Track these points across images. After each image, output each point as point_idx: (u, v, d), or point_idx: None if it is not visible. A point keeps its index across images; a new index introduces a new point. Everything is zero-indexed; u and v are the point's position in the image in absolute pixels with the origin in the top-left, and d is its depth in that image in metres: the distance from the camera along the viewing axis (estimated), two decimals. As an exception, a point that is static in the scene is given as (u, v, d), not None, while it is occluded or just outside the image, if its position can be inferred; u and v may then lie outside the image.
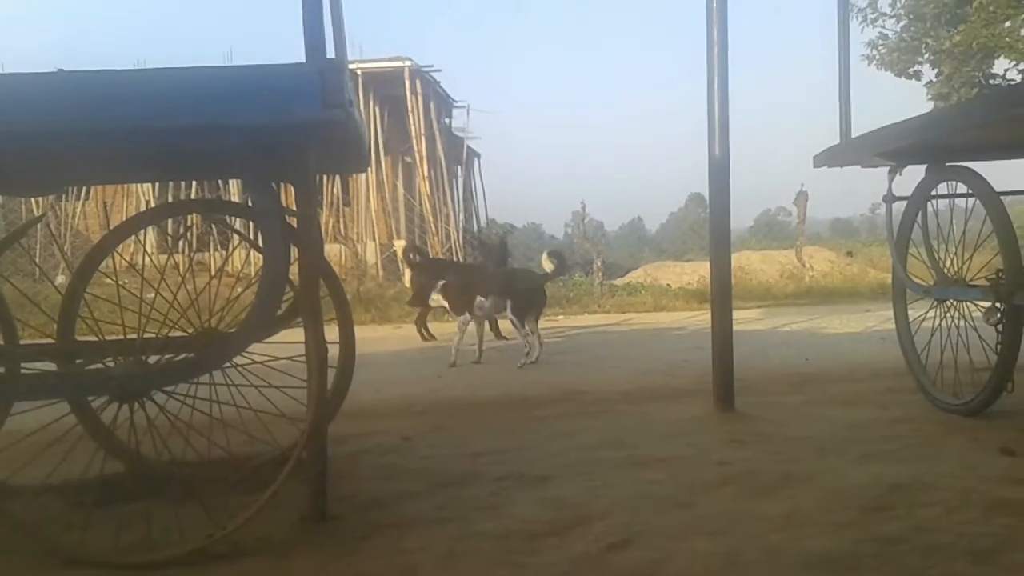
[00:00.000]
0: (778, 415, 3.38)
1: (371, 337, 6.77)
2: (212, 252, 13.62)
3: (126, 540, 1.98)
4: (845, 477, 2.39)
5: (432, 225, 16.24)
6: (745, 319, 8.08)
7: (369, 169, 15.06)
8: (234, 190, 13.83)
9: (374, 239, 16.20)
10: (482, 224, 20.44)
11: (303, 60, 1.91)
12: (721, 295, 3.56)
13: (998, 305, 2.95)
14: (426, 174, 16.33)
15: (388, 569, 1.83)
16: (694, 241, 17.55)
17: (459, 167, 20.15)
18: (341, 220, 16.28)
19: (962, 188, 3.26)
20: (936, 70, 17.09)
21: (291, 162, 2.08)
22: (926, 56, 17.09)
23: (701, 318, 8.79)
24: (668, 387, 4.22)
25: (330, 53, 1.97)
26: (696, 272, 14.09)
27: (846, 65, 3.73)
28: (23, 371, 2.34)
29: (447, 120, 18.87)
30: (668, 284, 13.47)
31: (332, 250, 14.59)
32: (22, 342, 2.67)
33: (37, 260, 10.71)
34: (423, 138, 16.29)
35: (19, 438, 2.20)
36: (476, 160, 21.00)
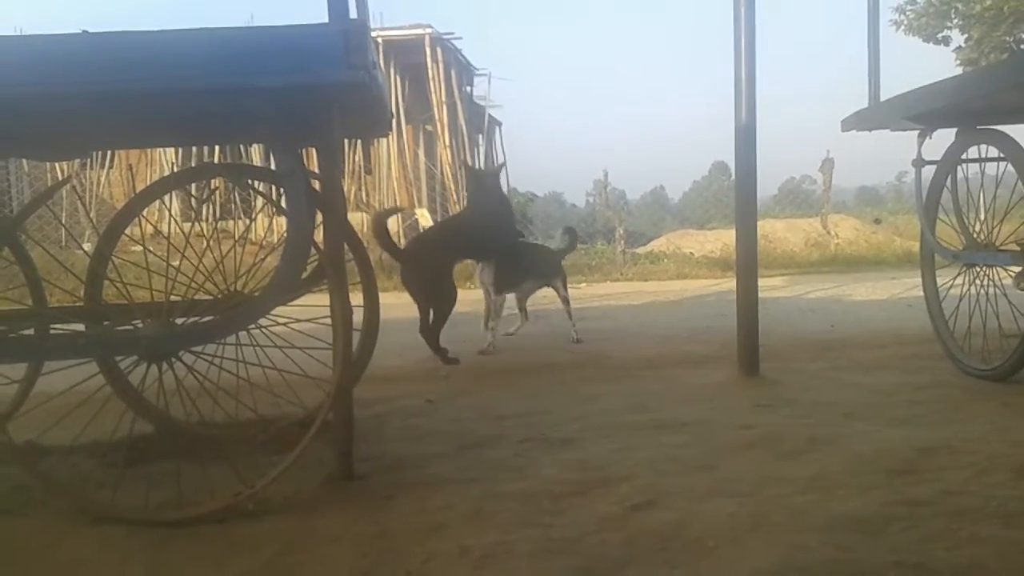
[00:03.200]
0: (803, 380, 3.36)
1: (394, 303, 6.75)
2: (236, 220, 13.67)
3: (156, 498, 2.01)
4: (871, 441, 2.38)
5: (453, 193, 16.21)
6: (769, 287, 8.02)
7: (390, 137, 15.03)
8: (256, 157, 13.86)
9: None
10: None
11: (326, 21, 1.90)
12: (746, 261, 3.54)
13: (1029, 269, 2.91)
14: (447, 143, 16.25)
15: (414, 527, 1.85)
16: (717, 209, 17.40)
17: (480, 136, 20.06)
18: (363, 188, 16.27)
19: (993, 152, 3.21)
20: (965, 35, 16.74)
21: (315, 125, 2.08)
22: (955, 20, 16.74)
23: (724, 286, 8.75)
24: (692, 353, 4.21)
25: (352, 14, 1.95)
26: (719, 240, 13.99)
27: (876, 27, 3.67)
28: (53, 332, 2.36)
29: (468, 88, 18.72)
30: (691, 252, 13.40)
31: (355, 218, 14.58)
32: (51, 305, 2.70)
33: (63, 228, 10.81)
34: (444, 106, 16.19)
35: (49, 398, 2.23)
36: (497, 129, 20.88)
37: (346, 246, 2.40)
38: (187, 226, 2.62)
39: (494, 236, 4.51)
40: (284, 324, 2.31)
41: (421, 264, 4.27)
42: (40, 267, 2.70)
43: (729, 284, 7.22)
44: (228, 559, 1.73)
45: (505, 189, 4.55)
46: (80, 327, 2.40)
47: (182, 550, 1.80)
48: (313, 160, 2.19)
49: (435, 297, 4.21)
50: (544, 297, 5.06)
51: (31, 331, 2.44)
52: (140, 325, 2.09)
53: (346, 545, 1.76)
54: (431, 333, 4.14)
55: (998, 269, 3.29)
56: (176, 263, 2.26)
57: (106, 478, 2.22)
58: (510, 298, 4.83)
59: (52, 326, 2.40)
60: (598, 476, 2.14)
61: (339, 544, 1.77)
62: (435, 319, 4.16)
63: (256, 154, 13.95)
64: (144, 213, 2.56)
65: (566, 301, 4.95)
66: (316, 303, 2.25)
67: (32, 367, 2.61)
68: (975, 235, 3.39)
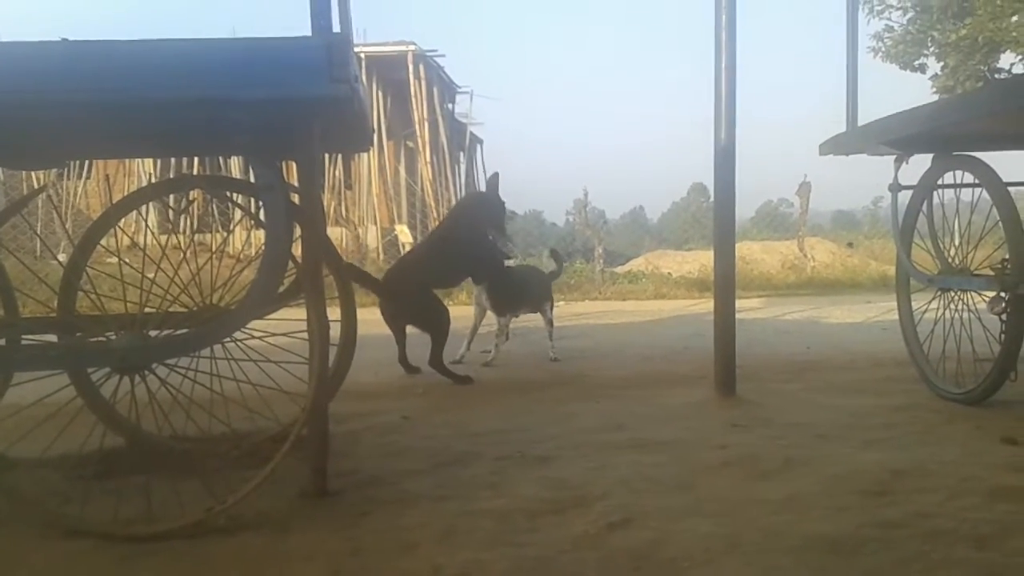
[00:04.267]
0: (779, 401, 3.37)
1: (372, 319, 6.73)
2: (213, 233, 13.58)
3: (125, 513, 1.97)
4: (846, 462, 2.39)
5: (434, 210, 16.20)
6: (746, 308, 8.06)
7: (371, 153, 15.02)
8: (235, 169, 13.80)
9: (375, 223, 16.15)
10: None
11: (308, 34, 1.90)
12: (724, 281, 3.55)
13: (1003, 294, 2.94)
14: (428, 159, 16.27)
15: (388, 544, 1.83)
16: (695, 230, 17.60)
17: (461, 153, 20.09)
18: (343, 203, 16.23)
19: (968, 178, 3.25)
20: (941, 63, 16.98)
21: (295, 138, 2.07)
22: (931, 49, 16.98)
23: (701, 306, 8.79)
24: (669, 373, 4.22)
25: (335, 28, 1.95)
26: (697, 261, 14.09)
27: (854, 54, 3.72)
28: (24, 343, 2.33)
29: (450, 105, 18.78)
30: (669, 272, 13.48)
31: (334, 233, 14.57)
32: (24, 315, 2.66)
33: (38, 237, 10.67)
34: (426, 123, 16.22)
35: (18, 410, 2.20)
36: (479, 146, 20.94)
37: (324, 261, 2.38)
38: (164, 238, 2.59)
39: (477, 260, 4.44)
40: (260, 338, 2.29)
41: (404, 297, 4.19)
42: (13, 277, 2.66)
43: (707, 304, 7.25)
44: (199, 575, 1.71)
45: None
46: (52, 338, 2.37)
47: (151, 566, 1.77)
48: (293, 174, 2.18)
49: (429, 323, 4.14)
50: (525, 317, 5.05)
51: (2, 341, 2.40)
52: (113, 337, 2.07)
53: (319, 563, 1.74)
54: (437, 360, 4.06)
55: (972, 294, 3.33)
56: (152, 275, 2.24)
57: (75, 492, 2.18)
58: (490, 315, 4.79)
59: (23, 337, 2.36)
60: (574, 495, 2.14)
61: (312, 562, 1.75)
62: (435, 343, 4.08)
63: (235, 166, 13.90)
64: (120, 224, 2.54)
65: (550, 323, 4.97)
66: (293, 317, 2.23)
67: (2, 378, 2.57)
68: (950, 260, 3.43)
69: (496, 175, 4.53)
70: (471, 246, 4.36)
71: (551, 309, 5.03)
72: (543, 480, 2.28)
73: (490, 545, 1.81)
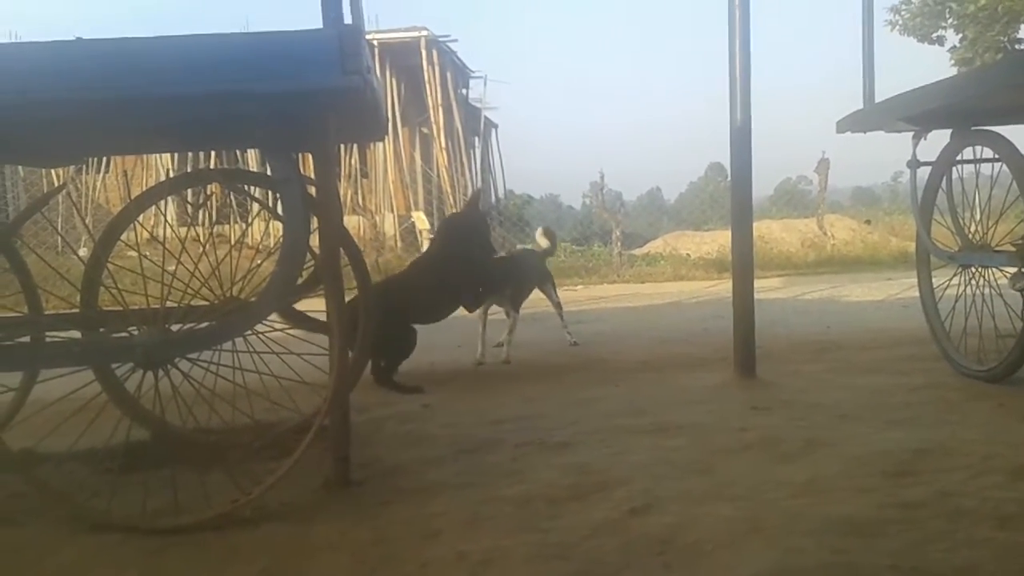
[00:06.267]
0: (799, 382, 3.36)
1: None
2: (232, 225, 13.66)
3: (152, 505, 2.00)
4: (867, 443, 2.38)
5: (450, 196, 16.21)
6: (766, 288, 8.03)
7: (386, 140, 15.02)
8: (252, 162, 13.85)
9: (392, 210, 16.19)
10: (500, 195, 20.38)
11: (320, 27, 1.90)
12: (742, 263, 3.54)
13: (1024, 270, 2.91)
14: (443, 145, 16.27)
15: (411, 533, 1.85)
16: (713, 211, 17.41)
17: (476, 138, 20.07)
18: (359, 192, 16.27)
19: (988, 152, 3.22)
20: (960, 35, 16.76)
21: (310, 130, 2.08)
22: (950, 20, 16.76)
23: (721, 287, 8.75)
24: (688, 355, 4.21)
25: (347, 19, 1.95)
26: (716, 241, 14.00)
27: (870, 28, 3.67)
28: (48, 340, 2.36)
29: (464, 91, 18.75)
30: (687, 254, 13.40)
31: (350, 221, 14.59)
32: (47, 312, 2.70)
33: (59, 234, 10.78)
34: (440, 109, 16.21)
35: (45, 406, 2.23)
36: (493, 131, 20.92)
37: (342, 251, 2.39)
38: (183, 231, 2.61)
39: (471, 286, 4.14)
40: (280, 330, 2.31)
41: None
42: (36, 274, 2.70)
43: (726, 285, 7.23)
44: (225, 567, 1.74)
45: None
46: (76, 334, 2.40)
47: (178, 558, 1.80)
48: (309, 165, 2.19)
49: (388, 350, 3.76)
50: (536, 300, 4.99)
51: (27, 339, 2.43)
52: (136, 332, 2.09)
53: (343, 552, 1.76)
54: (385, 375, 3.72)
55: (993, 270, 3.30)
56: (172, 269, 2.26)
57: (102, 485, 2.21)
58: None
59: (48, 333, 2.39)
60: (595, 480, 2.14)
61: (336, 551, 1.77)
62: (388, 364, 3.75)
63: (252, 159, 13.95)
64: (140, 218, 2.56)
65: (558, 306, 4.93)
66: (312, 308, 2.25)
67: (28, 375, 2.61)
68: (970, 236, 3.40)
69: (478, 191, 4.30)
70: (461, 275, 4.03)
71: (555, 290, 4.96)
72: (564, 466, 2.29)
73: (513, 531, 1.82)
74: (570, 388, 3.49)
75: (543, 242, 5.06)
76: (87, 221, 13.91)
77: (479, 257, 4.06)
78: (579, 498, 2.02)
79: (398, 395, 3.42)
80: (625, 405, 3.06)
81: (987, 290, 3.32)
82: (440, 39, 16.36)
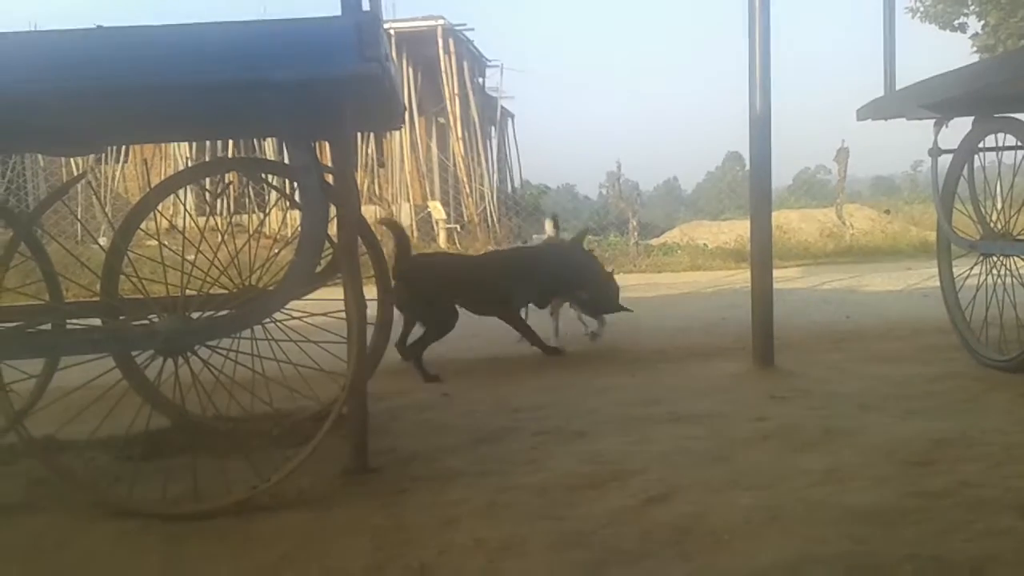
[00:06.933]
0: (818, 372, 3.34)
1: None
2: (250, 214, 13.73)
3: (172, 492, 2.02)
4: (887, 432, 2.37)
5: (466, 186, 16.21)
6: (784, 277, 7.98)
7: (403, 130, 15.03)
8: (269, 151, 13.90)
9: (409, 200, 16.21)
10: (516, 185, 20.36)
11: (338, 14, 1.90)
12: (761, 252, 3.52)
13: (1048, 259, 2.88)
14: (460, 135, 16.25)
15: (429, 520, 1.85)
16: (731, 200, 17.35)
17: (493, 127, 20.04)
18: (376, 181, 16.29)
19: (1011, 140, 3.18)
20: (982, 22, 16.56)
21: (328, 118, 2.08)
22: (972, 7, 16.57)
23: (738, 277, 8.71)
24: (706, 345, 4.20)
25: (365, 6, 1.95)
26: (733, 231, 13.94)
27: (891, 15, 3.64)
28: (69, 327, 2.38)
29: (481, 80, 18.72)
30: (704, 244, 13.33)
31: (367, 211, 14.62)
32: (68, 300, 2.72)
33: (79, 222, 10.86)
34: (457, 98, 16.19)
35: (66, 393, 2.25)
36: (510, 120, 20.89)
37: (360, 240, 2.40)
38: (202, 220, 2.63)
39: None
40: (299, 318, 2.32)
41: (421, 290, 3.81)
42: (56, 262, 2.72)
43: (743, 275, 7.19)
44: (244, 552, 1.75)
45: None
46: (96, 322, 2.42)
47: (198, 544, 1.81)
48: (327, 154, 2.19)
49: (430, 321, 3.79)
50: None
51: (48, 326, 2.46)
52: (156, 320, 2.10)
53: (362, 538, 1.77)
54: (417, 351, 3.70)
55: (1015, 259, 3.26)
56: (191, 257, 2.27)
57: (123, 472, 2.24)
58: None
59: (68, 321, 2.41)
60: (612, 469, 2.14)
61: (355, 537, 1.78)
62: (425, 337, 3.73)
63: (270, 148, 13.99)
64: (159, 207, 2.57)
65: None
66: (330, 297, 2.25)
67: (49, 362, 2.63)
68: (992, 224, 3.36)
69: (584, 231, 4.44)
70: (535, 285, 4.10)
71: None
72: (582, 454, 2.29)
73: (531, 519, 1.82)
74: (587, 377, 3.49)
75: (550, 230, 5.05)
76: (107, 210, 14.00)
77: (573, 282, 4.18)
78: (597, 487, 2.02)
79: (415, 382, 3.42)
80: (643, 394, 3.06)
81: (1008, 279, 3.29)
82: (457, 28, 16.33)
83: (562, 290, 4.25)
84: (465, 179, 16.24)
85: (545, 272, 4.15)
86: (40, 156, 13.56)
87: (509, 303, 4.06)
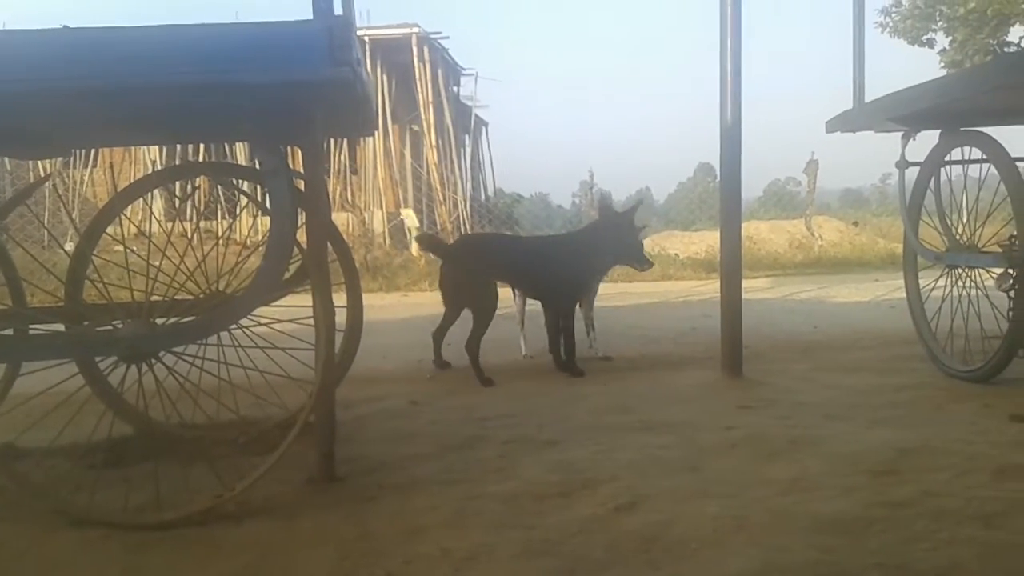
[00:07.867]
0: (786, 382, 3.37)
1: (379, 305, 6.75)
2: (219, 220, 13.61)
3: (135, 501, 1.99)
4: (853, 442, 2.39)
5: (439, 194, 16.18)
6: (754, 288, 8.04)
7: (376, 137, 14.98)
8: (240, 156, 13.79)
9: (381, 207, 16.13)
10: (489, 193, 20.36)
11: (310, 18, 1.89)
12: (730, 263, 3.55)
13: (1011, 271, 2.93)
14: (434, 143, 16.20)
15: (396, 529, 1.84)
16: (702, 211, 17.46)
17: (467, 136, 20.03)
18: (348, 188, 16.21)
19: (976, 154, 3.23)
20: (950, 37, 16.88)
21: (298, 122, 2.06)
22: (940, 23, 16.87)
23: (708, 287, 8.76)
24: (676, 355, 4.21)
25: (337, 11, 1.94)
26: (704, 242, 14.02)
27: (860, 29, 3.68)
28: (32, 332, 2.34)
29: (455, 88, 18.70)
30: (676, 254, 13.41)
31: (339, 218, 14.54)
32: (32, 305, 2.67)
33: (44, 228, 10.71)
34: (431, 106, 16.15)
35: (27, 399, 2.21)
36: (484, 129, 20.87)
37: (330, 246, 2.38)
38: (169, 225, 2.60)
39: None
40: (266, 325, 2.30)
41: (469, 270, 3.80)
42: (21, 267, 2.67)
43: (714, 285, 7.22)
44: (208, 562, 1.72)
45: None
46: (60, 327, 2.38)
47: (161, 553, 1.78)
48: (298, 159, 2.17)
49: (477, 304, 3.75)
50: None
51: (10, 331, 2.41)
52: (120, 325, 2.07)
53: (327, 547, 1.75)
54: (473, 344, 3.69)
55: (980, 271, 3.31)
56: (158, 263, 2.24)
57: (84, 480, 2.20)
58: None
59: (31, 326, 2.37)
60: (581, 477, 2.14)
61: (320, 546, 1.76)
62: (476, 326, 3.72)
63: (240, 153, 13.89)
64: (126, 212, 2.54)
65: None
66: (299, 303, 2.23)
67: (10, 368, 2.58)
68: (958, 237, 3.41)
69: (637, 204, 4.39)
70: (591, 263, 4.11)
71: None
72: (551, 463, 2.29)
73: (498, 528, 1.82)
74: (558, 386, 3.49)
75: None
76: (74, 215, 13.82)
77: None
78: (565, 495, 2.02)
79: (383, 389, 3.40)
80: (613, 403, 3.06)
81: (973, 291, 3.33)
82: (431, 36, 16.31)
83: (621, 260, 4.27)
84: (439, 187, 16.20)
85: (604, 246, 4.12)
86: (6, 159, 13.36)
87: (558, 291, 3.95)
